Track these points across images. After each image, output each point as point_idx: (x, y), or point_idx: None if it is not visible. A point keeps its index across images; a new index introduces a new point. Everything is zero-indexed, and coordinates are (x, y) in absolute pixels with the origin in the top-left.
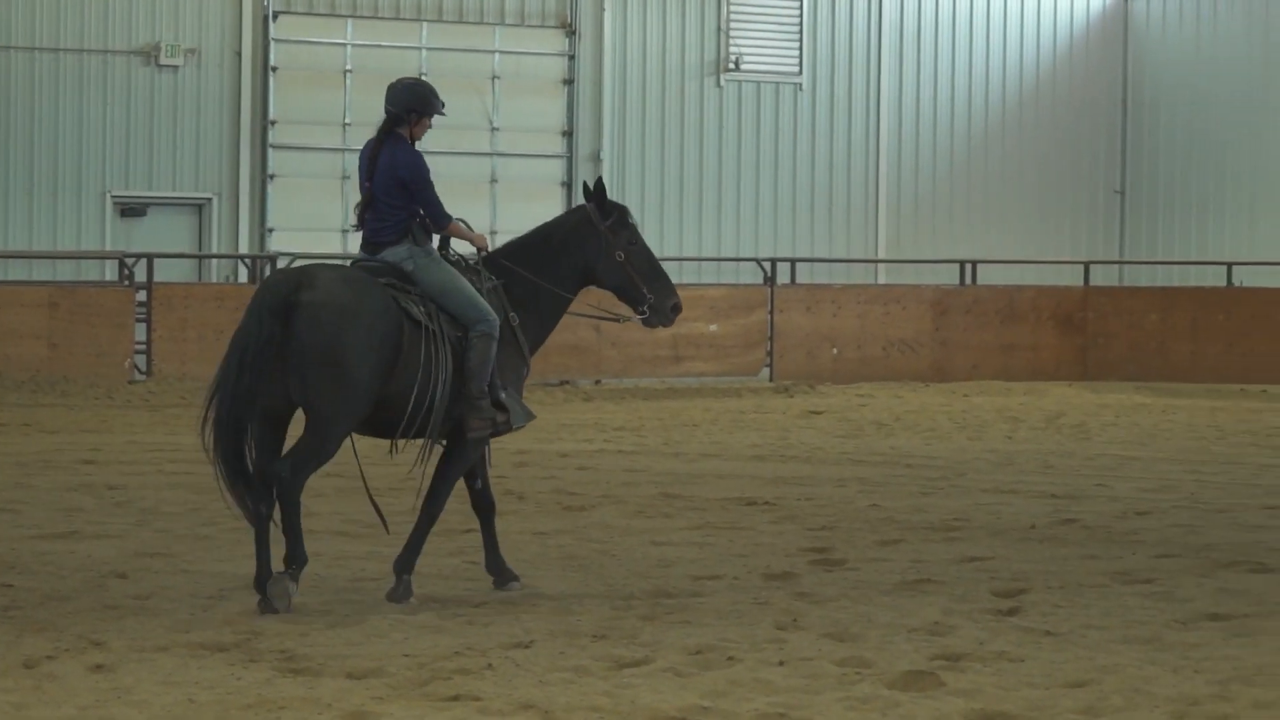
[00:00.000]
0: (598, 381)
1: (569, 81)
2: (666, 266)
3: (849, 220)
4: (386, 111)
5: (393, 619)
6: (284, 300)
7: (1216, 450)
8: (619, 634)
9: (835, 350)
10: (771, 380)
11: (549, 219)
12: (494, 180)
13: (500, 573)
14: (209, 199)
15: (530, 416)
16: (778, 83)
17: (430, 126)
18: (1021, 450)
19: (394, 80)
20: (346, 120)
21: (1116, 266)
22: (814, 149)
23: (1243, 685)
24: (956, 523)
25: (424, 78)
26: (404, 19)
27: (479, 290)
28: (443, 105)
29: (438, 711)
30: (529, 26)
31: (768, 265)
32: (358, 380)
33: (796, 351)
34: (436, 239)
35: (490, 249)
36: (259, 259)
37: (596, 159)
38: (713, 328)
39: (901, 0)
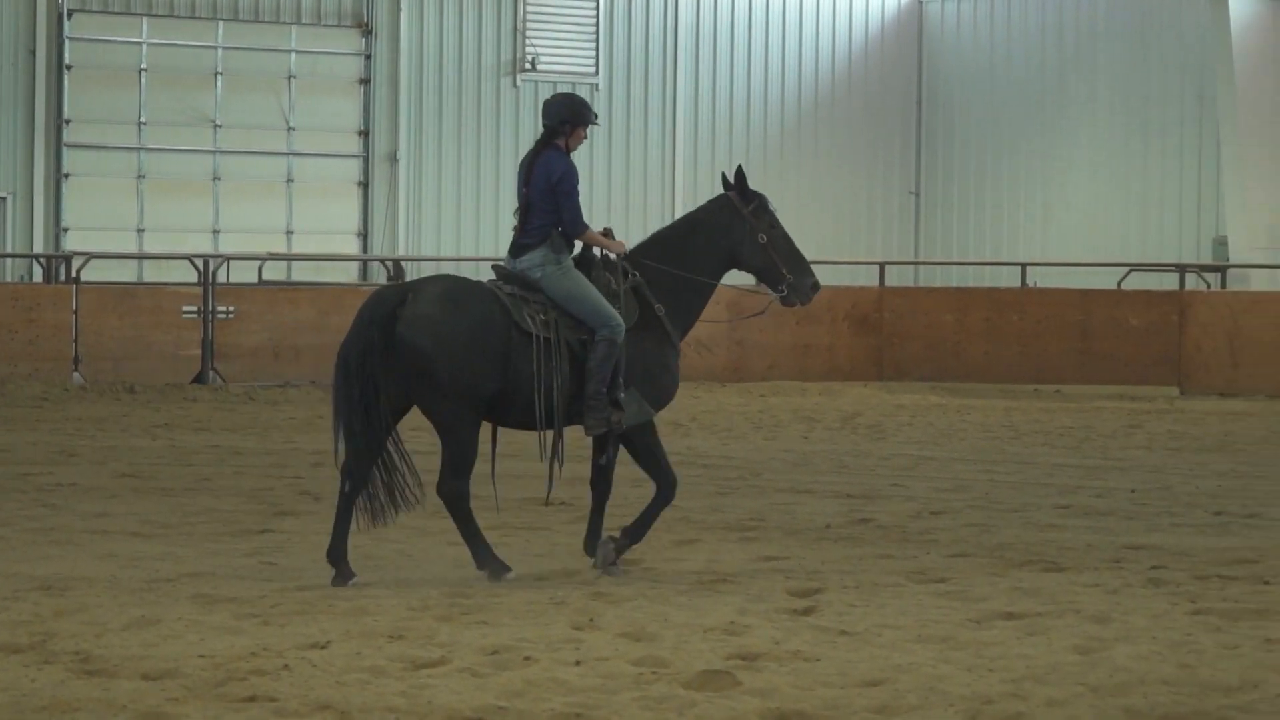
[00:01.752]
0: None
1: (365, 81)
2: (464, 266)
3: (645, 219)
4: (544, 125)
5: (188, 620)
6: (388, 313)
7: (1010, 450)
8: (416, 634)
9: None
10: None
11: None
12: (290, 180)
13: (601, 553)
14: (3, 198)
15: (647, 415)
16: (574, 83)
17: (585, 137)
18: (817, 450)
19: (550, 95)
20: (142, 119)
21: (912, 267)
22: (610, 149)
23: (1035, 684)
24: (752, 522)
25: (219, 76)
26: (200, 18)
27: (614, 292)
28: (595, 115)
29: (234, 712)
30: (325, 26)
31: None
32: (459, 387)
33: None
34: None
35: (627, 250)
36: (54, 258)
37: (393, 159)
38: None
39: (697, 1)
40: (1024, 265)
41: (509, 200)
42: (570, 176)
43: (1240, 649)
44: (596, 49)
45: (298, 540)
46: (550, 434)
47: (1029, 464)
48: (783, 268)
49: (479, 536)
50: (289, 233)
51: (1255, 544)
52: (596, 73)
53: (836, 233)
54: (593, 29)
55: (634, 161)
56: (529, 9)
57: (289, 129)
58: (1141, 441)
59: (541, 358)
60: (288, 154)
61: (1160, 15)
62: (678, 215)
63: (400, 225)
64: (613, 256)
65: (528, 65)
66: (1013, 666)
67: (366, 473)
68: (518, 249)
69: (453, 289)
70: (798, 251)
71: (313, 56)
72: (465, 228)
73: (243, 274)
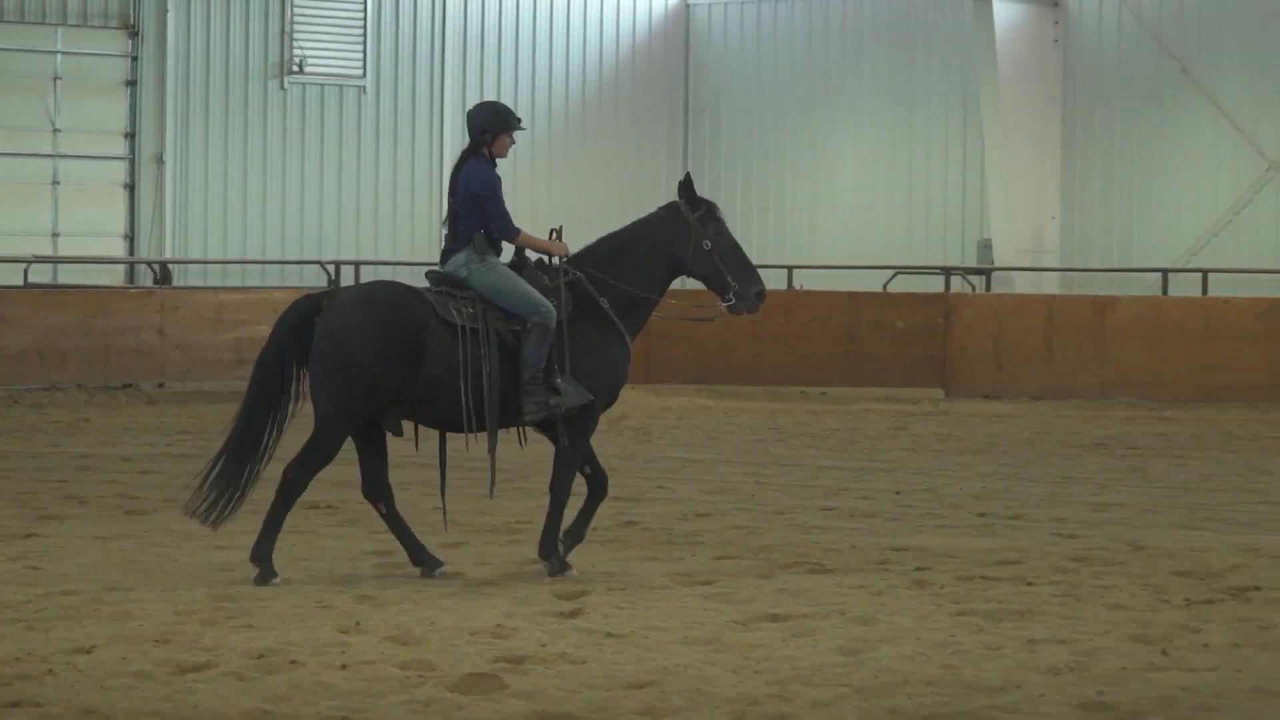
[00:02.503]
0: (161, 385)
1: (131, 83)
2: (230, 269)
3: (413, 223)
4: (469, 135)
5: None
6: (304, 321)
7: (776, 452)
8: (181, 639)
9: None
10: None
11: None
12: (56, 182)
13: (556, 555)
14: None
15: (585, 397)
16: (341, 85)
17: (513, 142)
18: None
19: (472, 105)
20: None
21: None
22: (378, 151)
23: (801, 685)
24: (519, 525)
25: None
26: None
27: (548, 289)
28: (519, 121)
29: None
30: (91, 27)
31: (332, 268)
32: (355, 382)
33: None
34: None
35: (569, 253)
36: None
37: (159, 161)
38: None
39: (465, 3)
40: (790, 268)
41: (275, 203)
42: (491, 183)
43: (1003, 650)
44: (364, 51)
45: (62, 544)
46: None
47: (795, 466)
48: (728, 275)
49: (275, 530)
50: (55, 235)
51: (1019, 545)
52: (364, 75)
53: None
54: (360, 31)
55: (401, 163)
56: (296, 11)
57: (54, 130)
58: (906, 443)
59: (469, 347)
60: (53, 156)
61: (925, 18)
62: (444, 218)
63: (167, 227)
64: (551, 260)
65: (295, 67)
66: (778, 668)
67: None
68: (445, 255)
69: (367, 292)
70: (745, 259)
71: (78, 58)
72: (233, 230)
73: (8, 276)
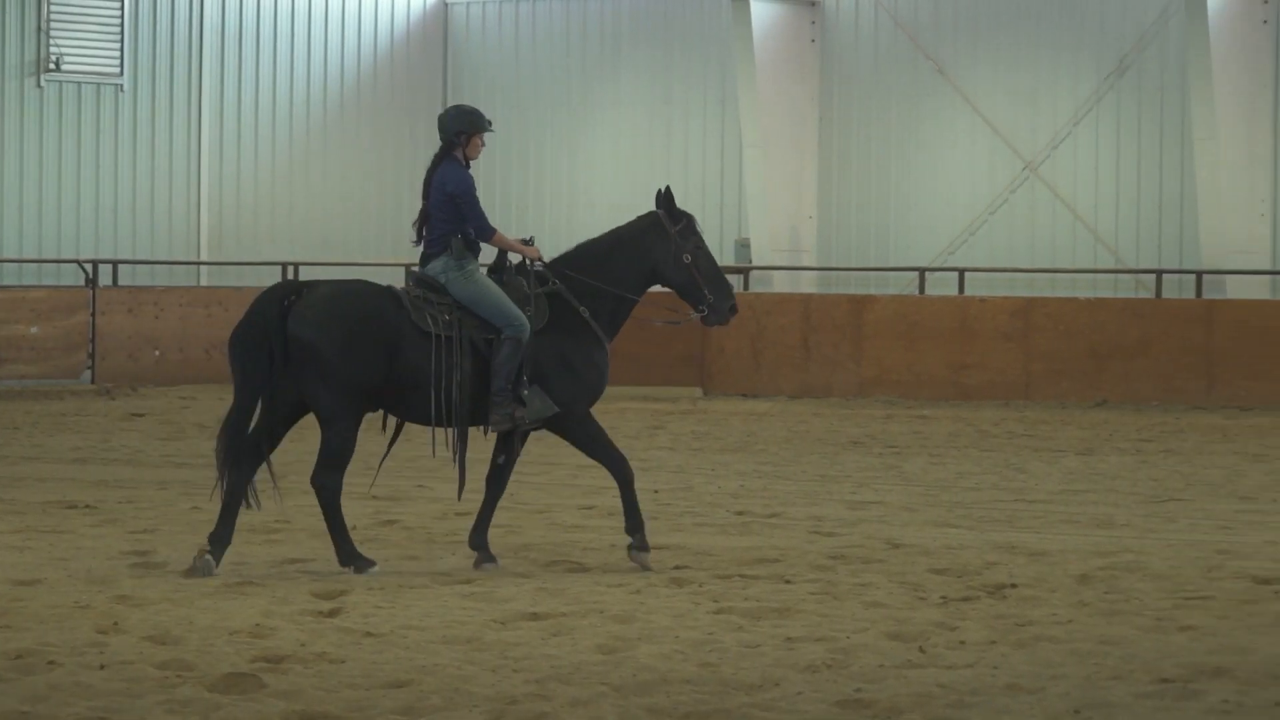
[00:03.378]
0: None
1: None
2: None
3: (170, 222)
4: (441, 139)
5: None
6: (279, 307)
7: (535, 451)
8: None
9: (157, 352)
10: (93, 382)
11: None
12: None
13: (482, 549)
14: None
15: (549, 410)
16: (99, 83)
17: (484, 144)
18: None
19: (443, 109)
20: None
21: None
22: (135, 150)
23: (560, 684)
24: (278, 525)
25: None
26: None
27: (526, 295)
28: (490, 123)
29: None
30: None
31: (89, 267)
32: (341, 379)
33: (118, 354)
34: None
35: (543, 257)
36: None
37: None
38: (34, 330)
39: (223, 2)
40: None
41: (32, 202)
42: (466, 185)
43: (761, 648)
44: (121, 50)
45: None
46: (452, 432)
47: (554, 465)
48: (704, 289)
49: (343, 531)
50: None
51: (776, 543)
52: (121, 73)
53: (362, 236)
54: (118, 29)
55: (159, 163)
56: (53, 8)
57: None
58: (665, 442)
59: (443, 355)
60: None
61: (683, 18)
62: (205, 219)
63: None
64: (531, 265)
65: (52, 66)
66: (537, 666)
67: (251, 462)
68: (424, 259)
69: (342, 287)
70: (721, 274)
71: None
72: None
73: None
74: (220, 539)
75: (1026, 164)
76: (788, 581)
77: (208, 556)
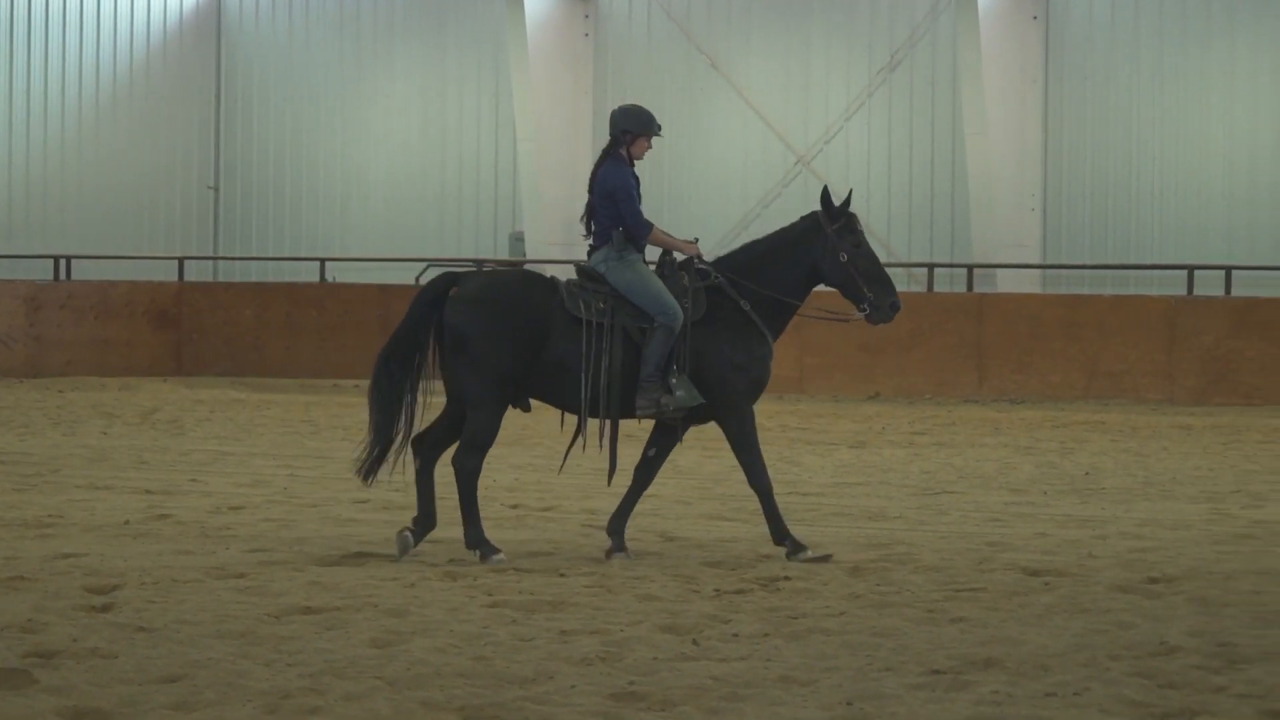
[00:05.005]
0: None
1: None
2: None
3: None
4: (610, 133)
5: None
6: (438, 295)
7: (310, 445)
8: None
9: None
10: None
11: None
12: None
13: (616, 535)
14: None
15: (696, 399)
16: None
17: (650, 146)
18: (116, 446)
19: (614, 107)
20: None
21: (211, 262)
22: None
23: (334, 678)
24: (50, 519)
25: None
26: None
27: (685, 288)
28: (659, 127)
29: None
30: None
31: None
32: (487, 366)
33: None
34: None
35: (702, 253)
36: None
37: None
38: None
39: None
40: (323, 260)
41: None
42: (625, 184)
43: (535, 641)
44: None
45: None
46: (598, 423)
47: (328, 459)
48: (863, 286)
49: (475, 515)
50: None
51: (551, 537)
52: None
53: (136, 228)
54: None
55: None
56: None
57: None
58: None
59: (593, 341)
60: None
61: (457, 10)
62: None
63: None
64: (682, 256)
65: None
66: (311, 660)
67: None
68: (590, 251)
69: (497, 276)
70: (883, 272)
71: None
72: None
73: None
74: (427, 523)
75: (799, 157)
76: (562, 575)
77: (407, 534)
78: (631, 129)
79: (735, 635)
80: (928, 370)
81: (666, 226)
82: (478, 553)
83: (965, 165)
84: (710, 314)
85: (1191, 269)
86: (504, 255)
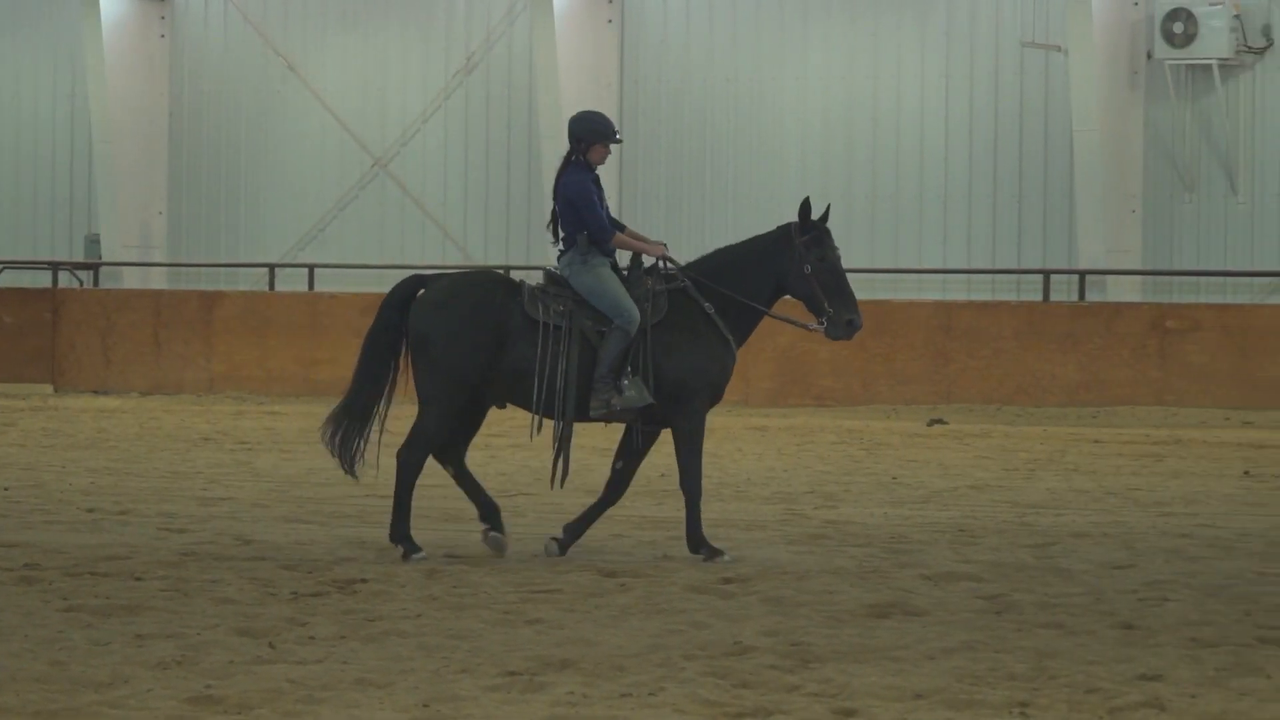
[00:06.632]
0: None
1: None
2: None
3: None
4: (568, 140)
5: None
6: (405, 297)
7: None
8: None
9: None
10: None
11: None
12: None
13: (571, 535)
14: None
15: (646, 400)
16: None
17: (609, 151)
18: None
19: (572, 114)
20: None
21: None
22: None
23: None
24: None
25: None
26: None
27: (646, 292)
28: (615, 132)
29: None
30: None
31: None
32: (445, 366)
33: None
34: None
35: (667, 252)
36: None
37: None
38: None
39: None
40: None
41: None
42: (585, 190)
43: (111, 645)
44: None
45: None
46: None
47: None
48: (824, 301)
49: (406, 510)
50: None
51: (127, 540)
52: None
53: None
54: None
55: None
56: None
57: None
58: (16, 439)
59: (549, 344)
60: None
61: (32, 11)
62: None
63: None
64: (665, 265)
65: None
66: None
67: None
68: (559, 256)
69: (459, 278)
70: (845, 287)
71: None
72: None
73: None
74: (490, 510)
75: (376, 160)
76: (138, 579)
77: (490, 535)
78: (586, 137)
79: (312, 638)
80: None
81: (245, 231)
82: (400, 549)
83: (541, 166)
84: (672, 316)
85: None
86: (79, 258)
